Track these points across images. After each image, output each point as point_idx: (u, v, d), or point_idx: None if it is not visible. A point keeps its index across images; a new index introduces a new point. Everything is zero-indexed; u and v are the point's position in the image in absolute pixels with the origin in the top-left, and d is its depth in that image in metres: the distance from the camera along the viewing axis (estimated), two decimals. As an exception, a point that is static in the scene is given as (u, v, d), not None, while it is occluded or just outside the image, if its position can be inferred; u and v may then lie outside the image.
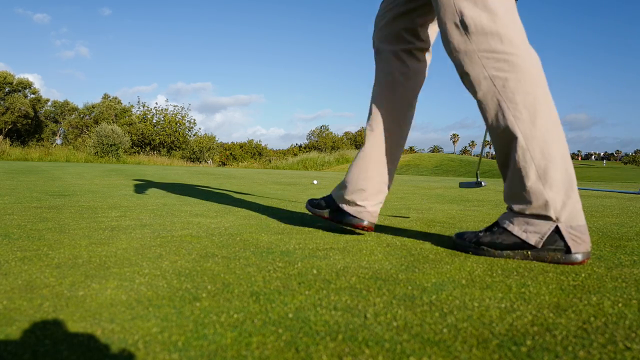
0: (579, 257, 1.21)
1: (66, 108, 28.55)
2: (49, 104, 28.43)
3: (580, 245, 1.21)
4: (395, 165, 1.69)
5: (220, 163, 28.02)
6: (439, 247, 1.42)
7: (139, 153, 24.05)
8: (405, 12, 1.59)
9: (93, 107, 28.47)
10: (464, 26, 1.29)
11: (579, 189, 4.93)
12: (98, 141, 18.37)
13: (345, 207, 1.64)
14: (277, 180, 5.77)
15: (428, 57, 1.67)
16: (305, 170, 17.48)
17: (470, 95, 1.35)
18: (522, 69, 1.26)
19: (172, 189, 3.77)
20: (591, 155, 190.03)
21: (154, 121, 29.57)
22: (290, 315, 0.81)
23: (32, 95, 27.24)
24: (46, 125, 27.57)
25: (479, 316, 0.81)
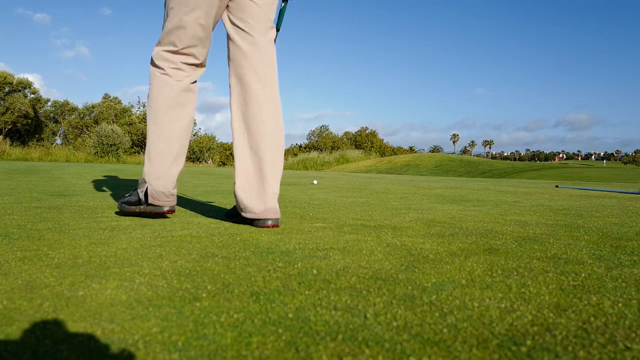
0: (164, 209, 1.93)
1: (66, 108, 28.54)
2: (49, 104, 28.42)
3: (158, 202, 1.91)
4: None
5: (221, 163, 28.00)
6: (439, 247, 1.42)
7: (139, 153, 24.05)
8: None
9: (93, 107, 28.45)
10: None
11: (579, 189, 4.92)
12: (98, 141, 18.37)
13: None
14: (277, 180, 5.77)
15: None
16: (305, 170, 17.47)
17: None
18: None
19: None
20: (591, 155, 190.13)
21: (154, 121, 29.34)
22: (290, 315, 0.81)
23: (32, 95, 27.23)
24: (46, 125, 27.56)
25: (479, 316, 0.81)
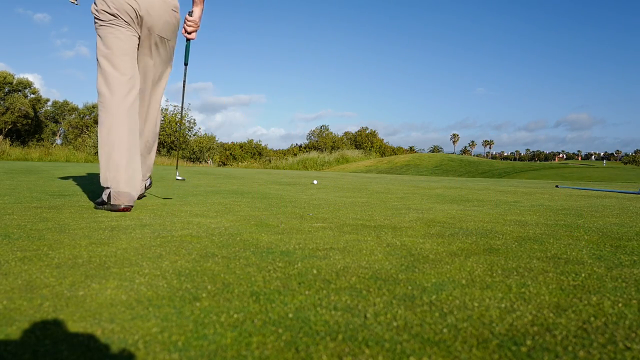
0: (119, 206, 2.17)
1: (66, 108, 28.54)
2: (49, 104, 28.42)
3: (117, 200, 2.17)
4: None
5: (221, 163, 28.01)
6: (439, 247, 1.42)
7: (139, 153, 23.95)
8: None
9: (93, 107, 28.44)
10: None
11: (579, 189, 4.92)
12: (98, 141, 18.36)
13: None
14: (277, 180, 5.77)
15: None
16: (305, 170, 17.47)
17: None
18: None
19: (172, 189, 3.77)
20: (591, 155, 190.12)
21: (154, 121, 29.37)
22: (290, 315, 0.81)
23: (32, 95, 27.23)
24: (46, 125, 27.55)
25: (479, 316, 0.81)
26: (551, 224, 1.97)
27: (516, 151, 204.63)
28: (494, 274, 1.10)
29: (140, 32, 2.30)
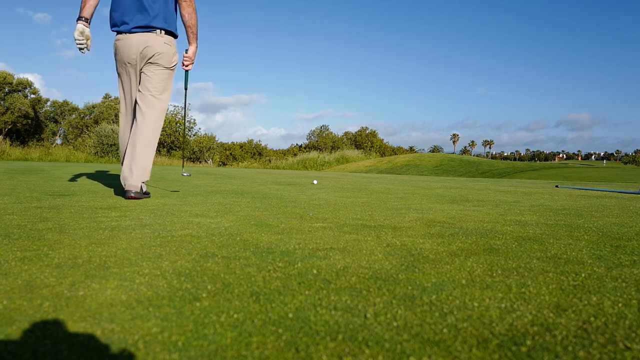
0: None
1: (66, 108, 28.54)
2: (49, 104, 28.43)
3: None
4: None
5: (220, 163, 28.01)
6: (439, 247, 1.42)
7: (138, 153, 23.95)
8: None
9: (93, 107, 28.45)
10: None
11: (579, 189, 4.92)
12: (98, 141, 18.37)
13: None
14: (277, 180, 5.77)
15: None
16: (305, 170, 17.47)
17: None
18: None
19: (175, 187, 3.77)
20: (591, 155, 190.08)
21: (154, 121, 29.37)
22: (290, 315, 0.81)
23: (32, 96, 27.23)
24: (46, 126, 27.55)
25: (479, 316, 0.81)
26: (551, 224, 1.97)
27: (516, 151, 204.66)
28: (494, 274, 1.10)
29: (141, 62, 3.00)
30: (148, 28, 2.94)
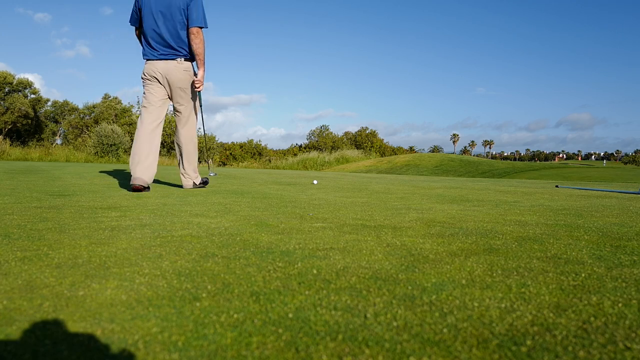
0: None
1: (66, 108, 28.52)
2: (49, 104, 28.42)
3: (133, 182, 3.41)
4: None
5: (220, 163, 28.01)
6: (439, 247, 1.42)
7: (139, 153, 23.95)
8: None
9: (93, 107, 28.42)
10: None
11: (579, 189, 4.92)
12: (98, 141, 18.36)
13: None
14: (277, 180, 5.77)
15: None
16: (305, 170, 17.47)
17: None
18: None
19: (172, 189, 3.77)
20: (591, 155, 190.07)
21: (154, 121, 29.37)
22: (290, 315, 0.81)
23: (32, 96, 27.22)
24: (46, 125, 27.54)
25: (479, 316, 0.81)
26: (551, 224, 1.97)
27: (516, 151, 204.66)
28: (494, 274, 1.10)
29: (168, 87, 3.72)
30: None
